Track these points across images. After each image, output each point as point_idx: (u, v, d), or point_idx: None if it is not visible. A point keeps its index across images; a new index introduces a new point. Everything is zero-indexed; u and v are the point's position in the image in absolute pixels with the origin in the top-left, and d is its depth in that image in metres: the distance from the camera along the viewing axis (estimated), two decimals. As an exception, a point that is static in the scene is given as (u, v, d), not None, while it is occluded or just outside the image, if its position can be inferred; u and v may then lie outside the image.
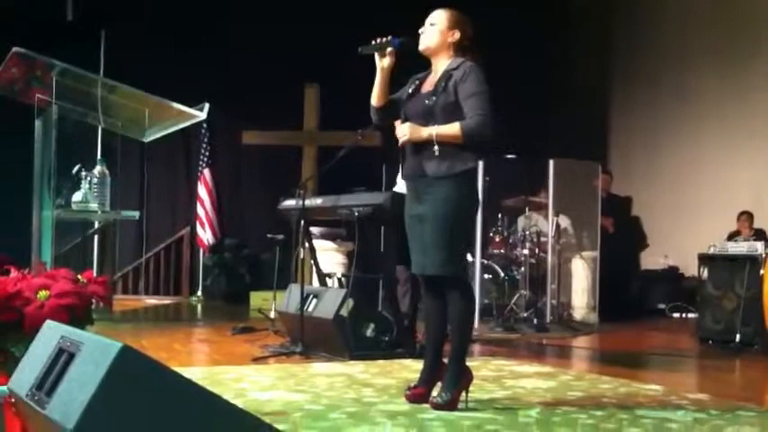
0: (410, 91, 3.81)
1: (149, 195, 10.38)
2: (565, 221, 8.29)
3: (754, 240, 7.16)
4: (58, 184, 4.30)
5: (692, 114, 10.37)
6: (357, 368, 4.75)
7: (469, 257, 7.15)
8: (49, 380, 2.10)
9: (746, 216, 9.12)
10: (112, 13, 9.68)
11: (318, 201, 5.42)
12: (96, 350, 1.94)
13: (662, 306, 9.85)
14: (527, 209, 8.18)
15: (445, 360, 3.75)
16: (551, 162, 7.93)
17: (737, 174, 9.70)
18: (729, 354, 6.06)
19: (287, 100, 10.03)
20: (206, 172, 10.38)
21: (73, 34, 9.29)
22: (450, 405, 3.56)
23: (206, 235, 10.37)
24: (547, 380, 4.49)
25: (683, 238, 10.06)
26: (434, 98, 3.62)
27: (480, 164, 7.80)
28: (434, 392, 3.65)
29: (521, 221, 8.36)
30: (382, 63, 3.75)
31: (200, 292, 10.41)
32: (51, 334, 2.29)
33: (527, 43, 10.40)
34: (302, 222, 5.36)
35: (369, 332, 5.20)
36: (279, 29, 9.91)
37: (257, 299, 9.29)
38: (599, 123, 11.57)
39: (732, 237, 8.71)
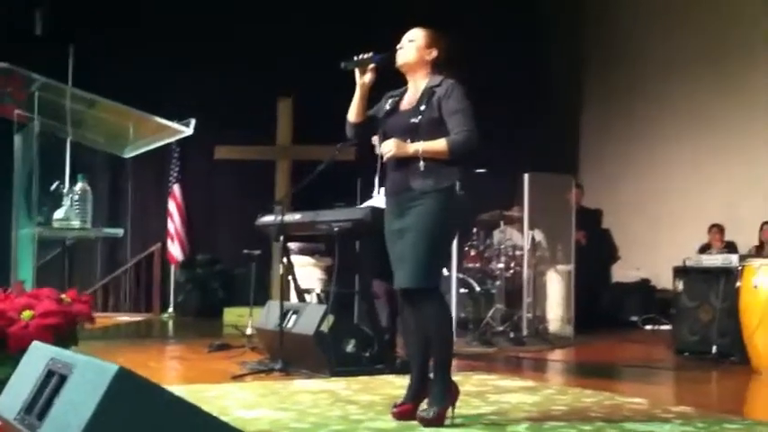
0: (387, 108, 3.81)
1: (120, 211, 10.27)
2: (539, 235, 8.31)
3: (726, 253, 7.24)
4: (37, 201, 4.21)
5: (664, 128, 10.49)
6: (339, 385, 4.70)
7: (445, 271, 7.14)
8: (40, 403, 2.04)
9: (717, 229, 9.24)
10: (81, 27, 9.57)
11: (297, 216, 5.37)
12: (91, 372, 1.89)
13: (634, 318, 9.93)
14: (502, 223, 8.19)
15: (431, 375, 3.72)
16: (526, 176, 7.94)
17: (708, 187, 9.83)
18: (707, 365, 6.08)
19: (260, 114, 9.99)
20: (175, 187, 10.29)
21: (41, 48, 9.16)
22: (438, 421, 3.52)
23: (175, 250, 10.28)
24: (531, 394, 4.47)
25: (654, 250, 10.17)
26: (419, 116, 3.62)
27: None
28: (421, 408, 3.61)
29: (496, 235, 8.37)
30: (363, 79, 3.75)
31: (171, 309, 10.29)
32: (39, 355, 2.24)
33: (499, 57, 10.45)
34: (282, 238, 5.29)
35: (349, 348, 5.15)
36: (251, 42, 9.87)
37: (231, 315, 9.22)
38: (570, 137, 11.68)
39: (703, 249, 8.82)
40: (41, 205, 4.26)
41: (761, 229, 8.89)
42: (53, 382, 2.05)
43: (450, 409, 3.62)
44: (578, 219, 8.95)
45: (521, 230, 8.35)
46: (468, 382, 4.82)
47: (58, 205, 4.31)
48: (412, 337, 3.77)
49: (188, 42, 9.99)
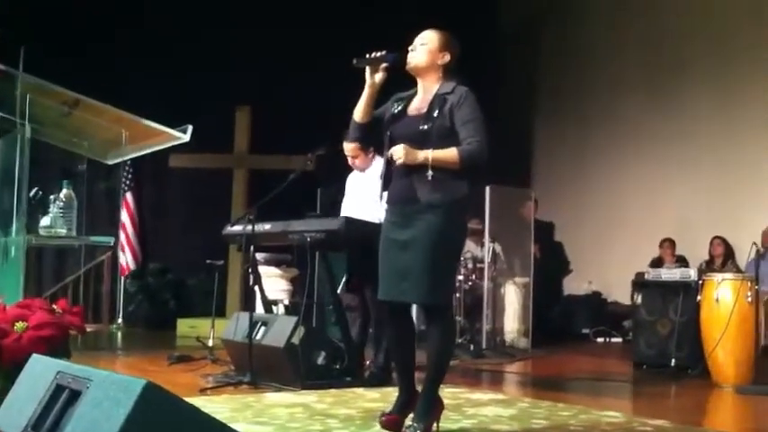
0: (395, 111, 3.69)
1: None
2: (497, 247, 8.35)
3: (678, 267, 7.36)
4: (8, 209, 4.06)
5: (616, 142, 10.66)
6: (311, 398, 4.64)
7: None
8: (49, 419, 1.96)
9: (669, 243, 9.39)
10: (32, 30, 9.32)
11: (267, 226, 5.29)
12: (113, 387, 1.82)
13: (586, 330, 10.03)
14: (462, 235, 8.19)
15: (418, 388, 3.69)
16: (487, 188, 7.98)
17: (660, 201, 10.00)
18: (667, 378, 6.16)
19: (217, 122, 9.84)
20: (128, 195, 10.09)
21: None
22: (424, 436, 3.49)
23: (126, 260, 10.07)
24: (506, 407, 4.47)
25: (605, 263, 10.31)
26: (429, 123, 3.52)
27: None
28: (407, 423, 3.57)
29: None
30: (373, 78, 3.62)
31: (120, 319, 10.06)
32: (43, 369, 2.15)
33: (455, 74, 10.49)
34: (252, 248, 5.21)
35: (320, 360, 5.09)
36: (209, 49, 9.73)
37: (184, 326, 9.05)
38: (522, 149, 11.77)
39: (655, 263, 8.95)
40: (18, 213, 4.10)
41: (711, 243, 9.07)
42: (63, 397, 1.96)
43: (435, 424, 3.59)
44: (533, 232, 9.02)
45: (479, 243, 8.38)
46: (441, 395, 4.79)
47: (41, 212, 4.16)
48: (399, 350, 3.73)
49: (144, 47, 9.81)
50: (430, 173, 3.47)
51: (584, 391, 5.78)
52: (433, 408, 3.58)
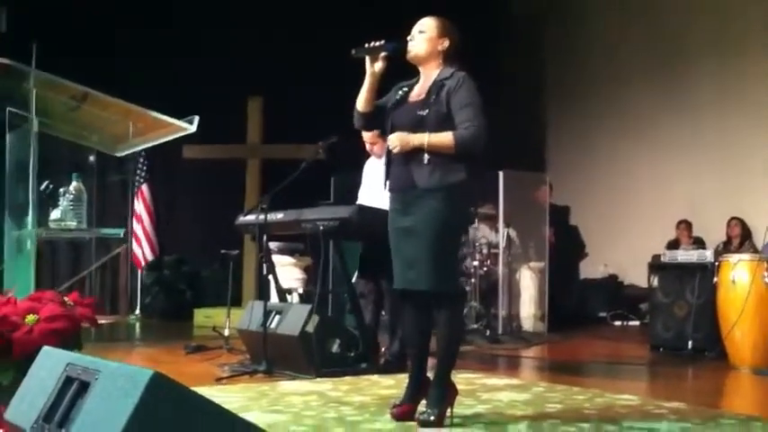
0: (396, 99, 3.70)
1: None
2: (512, 233, 8.33)
3: (696, 249, 7.32)
4: (25, 202, 4.08)
5: (629, 124, 10.59)
6: (326, 386, 4.64)
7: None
8: (60, 411, 1.96)
9: (685, 225, 9.33)
10: (44, 24, 9.34)
11: (280, 215, 5.29)
12: (121, 378, 1.82)
13: (603, 314, 10.00)
14: (476, 221, 8.18)
15: (429, 375, 3.69)
16: (501, 173, 7.96)
17: (674, 182, 9.93)
18: (684, 361, 6.14)
19: (229, 112, 9.84)
20: (144, 188, 10.12)
21: (4, 46, 8.92)
22: (438, 422, 3.49)
23: (143, 252, 10.12)
24: (520, 392, 4.46)
25: (621, 246, 10.26)
26: (426, 109, 3.53)
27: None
28: (420, 409, 3.57)
29: (470, 233, 8.36)
30: (373, 68, 3.63)
31: (138, 311, 10.12)
32: (53, 361, 2.15)
33: (461, 55, 10.44)
34: (264, 238, 5.22)
35: (334, 348, 5.09)
36: (222, 38, 9.73)
37: (200, 316, 9.10)
38: (536, 133, 11.73)
39: (672, 245, 8.89)
40: (35, 205, 4.12)
41: (728, 224, 9.00)
42: (73, 389, 1.97)
43: (448, 410, 3.59)
44: (548, 216, 8.99)
45: (493, 228, 8.36)
46: (455, 381, 4.77)
47: (51, 205, 4.19)
48: (413, 338, 3.73)
49: (156, 40, 9.81)
50: (426, 156, 3.47)
51: (600, 374, 5.77)
52: (447, 393, 3.58)
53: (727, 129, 9.48)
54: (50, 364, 2.13)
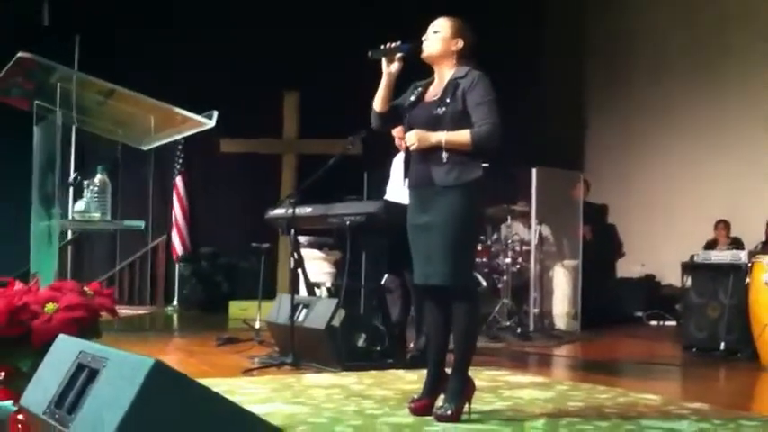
0: (413, 99, 3.77)
1: (123, 203, 10.24)
2: (546, 230, 8.30)
3: (732, 249, 7.22)
4: (53, 194, 4.18)
5: (668, 122, 10.47)
6: (350, 379, 4.69)
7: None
8: (70, 397, 2.03)
9: (723, 225, 9.20)
10: (87, 17, 9.53)
11: (308, 209, 5.35)
12: (125, 366, 1.88)
13: (639, 314, 9.91)
14: (509, 218, 8.16)
15: (447, 370, 3.71)
16: (534, 171, 7.93)
17: (713, 182, 9.80)
18: (716, 362, 6.09)
19: (266, 107, 9.95)
20: (178, 180, 10.27)
21: (48, 38, 9.11)
22: (455, 417, 3.52)
23: (176, 243, 10.29)
24: (544, 390, 4.46)
25: (659, 246, 10.15)
26: (443, 107, 3.58)
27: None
28: (438, 404, 3.60)
29: (503, 230, 8.35)
30: (390, 68, 3.71)
31: (175, 302, 10.27)
32: (67, 349, 2.22)
33: (501, 53, 10.41)
34: (293, 231, 5.28)
35: (360, 342, 5.14)
36: (257, 34, 9.83)
37: (235, 308, 9.21)
38: (574, 131, 11.65)
39: (709, 245, 8.79)
40: (60, 197, 4.23)
41: (767, 225, 8.86)
42: (83, 375, 2.03)
43: (466, 405, 3.62)
44: (584, 214, 8.94)
45: (527, 225, 8.34)
46: (480, 377, 4.78)
47: (77, 197, 4.29)
48: (432, 333, 3.76)
49: (195, 35, 9.95)
50: (444, 154, 3.54)
51: (629, 374, 5.74)
52: (464, 388, 3.60)
53: (768, 128, 9.33)
54: (64, 352, 2.20)
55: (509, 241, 7.98)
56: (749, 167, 9.51)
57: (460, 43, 3.68)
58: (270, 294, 8.52)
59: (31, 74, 4.36)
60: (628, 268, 10.50)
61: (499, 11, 10.41)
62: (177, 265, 10.31)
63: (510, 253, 7.89)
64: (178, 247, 10.27)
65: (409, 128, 3.69)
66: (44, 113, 4.45)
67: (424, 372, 3.81)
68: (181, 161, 10.23)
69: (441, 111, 3.58)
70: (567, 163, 9.90)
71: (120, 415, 1.74)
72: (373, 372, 4.95)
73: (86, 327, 2.54)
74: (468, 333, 3.65)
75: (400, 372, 5.00)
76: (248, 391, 4.25)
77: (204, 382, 4.40)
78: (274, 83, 9.82)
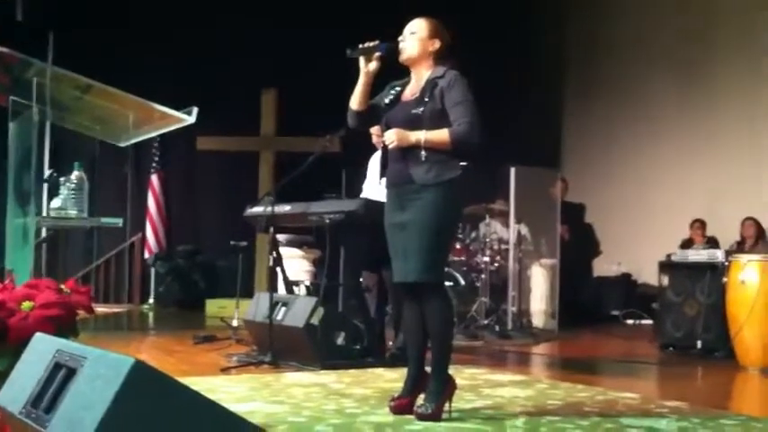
0: (390, 98, 3.77)
1: (98, 200, 10.14)
2: (524, 229, 8.32)
3: (708, 248, 7.26)
4: (29, 191, 4.13)
5: (646, 123, 10.52)
6: (329, 378, 4.67)
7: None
8: (47, 396, 1.99)
9: (699, 224, 9.26)
10: (61, 14, 9.41)
11: (287, 207, 5.32)
12: (104, 365, 1.84)
13: (616, 312, 9.95)
14: (487, 216, 8.17)
15: (427, 369, 3.70)
16: (512, 169, 7.94)
17: (690, 182, 9.86)
18: (693, 360, 6.12)
19: (243, 105, 9.90)
20: (153, 178, 10.20)
21: (21, 35, 8.98)
22: (435, 415, 3.50)
23: (151, 241, 10.22)
24: (523, 388, 4.46)
25: (635, 245, 10.20)
26: (422, 107, 3.59)
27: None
28: (418, 402, 3.59)
29: (481, 228, 8.36)
30: (368, 67, 3.72)
31: (152, 300, 10.19)
32: (44, 347, 2.18)
33: (481, 49, 10.41)
34: (271, 229, 5.24)
35: (339, 341, 5.12)
36: (235, 32, 9.77)
37: (213, 306, 9.15)
38: (553, 130, 11.67)
39: (685, 245, 8.83)
40: (35, 194, 4.17)
41: (742, 224, 8.93)
42: (61, 375, 2.00)
43: (447, 404, 3.60)
44: (562, 213, 8.97)
45: (505, 224, 8.35)
46: (460, 376, 4.76)
47: (52, 194, 4.24)
48: (411, 331, 3.74)
49: (171, 32, 9.86)
50: (423, 153, 3.54)
51: (606, 372, 5.76)
52: (445, 387, 3.59)
53: (745, 130, 9.40)
54: (41, 351, 2.16)
55: (487, 240, 7.98)
56: (725, 168, 9.57)
57: (437, 44, 3.70)
58: (248, 293, 8.48)
59: (8, 68, 4.30)
60: (605, 267, 10.54)
61: (479, 11, 10.40)
62: (151, 264, 10.22)
63: (488, 251, 7.90)
64: (153, 246, 10.18)
65: (387, 127, 3.70)
66: (20, 109, 4.41)
67: (404, 370, 3.80)
68: (157, 159, 10.15)
69: (419, 110, 3.60)
70: (546, 162, 9.93)
71: (99, 415, 1.71)
72: (353, 370, 4.93)
73: (64, 325, 2.50)
74: (444, 330, 3.64)
75: (380, 370, 4.99)
76: (227, 390, 4.21)
77: (183, 380, 4.38)
78: (252, 80, 9.77)
